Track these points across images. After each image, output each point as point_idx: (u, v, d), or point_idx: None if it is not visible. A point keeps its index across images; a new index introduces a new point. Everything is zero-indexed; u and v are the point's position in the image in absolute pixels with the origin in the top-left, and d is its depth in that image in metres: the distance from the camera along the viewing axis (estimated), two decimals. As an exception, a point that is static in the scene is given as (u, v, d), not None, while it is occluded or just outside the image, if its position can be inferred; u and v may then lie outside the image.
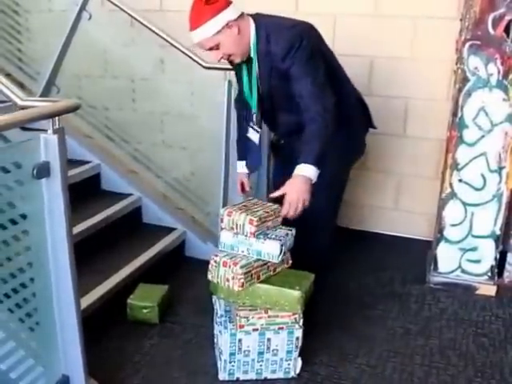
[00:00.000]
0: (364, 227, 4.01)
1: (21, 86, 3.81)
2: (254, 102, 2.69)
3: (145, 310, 2.87)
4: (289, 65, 2.45)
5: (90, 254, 3.03)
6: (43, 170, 1.92)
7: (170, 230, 3.62)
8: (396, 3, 3.50)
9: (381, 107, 3.66)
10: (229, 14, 2.45)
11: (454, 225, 3.22)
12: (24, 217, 1.95)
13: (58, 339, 2.17)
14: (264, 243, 2.37)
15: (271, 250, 2.36)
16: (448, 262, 3.29)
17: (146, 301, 2.89)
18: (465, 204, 3.16)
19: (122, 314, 2.91)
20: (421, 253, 3.60)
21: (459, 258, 3.27)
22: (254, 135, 2.78)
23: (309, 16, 3.58)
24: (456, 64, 3.09)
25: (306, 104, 2.46)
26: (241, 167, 2.99)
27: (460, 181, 3.12)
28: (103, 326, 2.76)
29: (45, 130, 1.93)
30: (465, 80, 2.95)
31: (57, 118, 1.93)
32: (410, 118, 3.67)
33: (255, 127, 2.75)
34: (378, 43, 3.60)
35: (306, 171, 2.39)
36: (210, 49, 2.50)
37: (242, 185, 2.99)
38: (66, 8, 3.45)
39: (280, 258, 2.38)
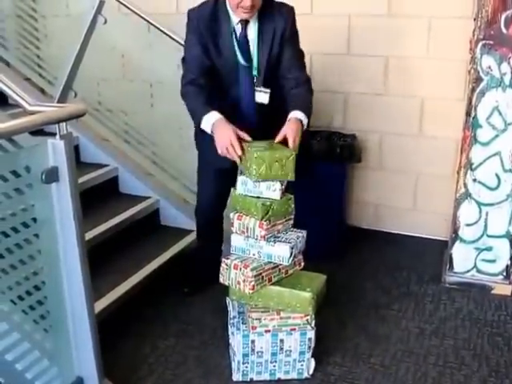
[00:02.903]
0: (381, 227, 4.01)
1: (41, 91, 3.89)
2: (255, 65, 2.67)
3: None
4: (292, 31, 2.65)
5: (108, 255, 3.12)
6: (52, 175, 1.99)
7: (188, 232, 3.66)
8: (411, 3, 3.49)
9: (397, 107, 3.70)
10: None
11: (468, 224, 3.21)
12: (35, 220, 2.01)
13: (72, 341, 2.23)
14: (274, 246, 2.40)
15: (282, 252, 2.39)
16: (463, 261, 3.29)
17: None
18: (479, 204, 3.15)
19: (139, 316, 2.95)
20: (438, 253, 3.60)
21: (474, 257, 3.26)
22: (263, 96, 2.70)
23: (324, 17, 3.64)
24: (470, 64, 3.09)
25: (295, 69, 2.65)
26: (217, 114, 2.51)
27: (474, 180, 3.12)
28: (120, 328, 2.81)
29: (54, 135, 1.99)
30: (478, 80, 2.94)
31: (64, 123, 1.98)
32: (426, 117, 3.66)
33: (263, 89, 2.69)
34: (393, 43, 3.59)
35: (300, 115, 2.50)
36: None
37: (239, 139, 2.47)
38: (82, 13, 3.49)
39: (290, 261, 2.40)
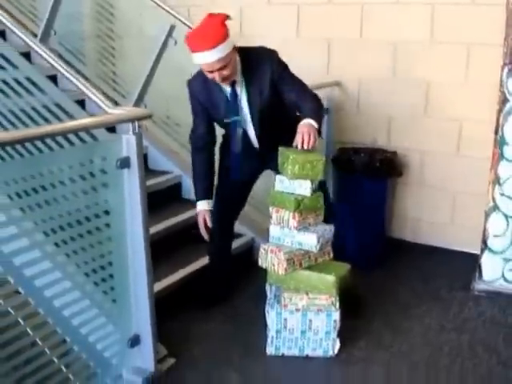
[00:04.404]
0: (419, 240, 4.29)
1: (115, 103, 4.40)
2: (247, 118, 2.98)
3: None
4: (279, 71, 2.86)
5: (167, 249, 3.49)
6: (125, 162, 2.45)
7: (238, 235, 3.98)
8: (451, 31, 3.83)
9: (436, 128, 4.02)
10: (232, 41, 2.77)
11: (496, 236, 3.47)
12: (107, 201, 2.48)
13: (133, 307, 2.66)
14: (304, 235, 2.76)
15: (310, 240, 2.76)
16: (492, 270, 3.54)
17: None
18: (506, 216, 3.41)
19: (190, 301, 3.34)
20: (471, 265, 3.77)
21: (502, 267, 3.51)
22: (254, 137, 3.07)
23: (373, 43, 4.03)
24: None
25: (300, 95, 2.88)
26: (205, 205, 3.17)
27: (502, 194, 3.39)
28: (174, 308, 3.19)
29: (127, 133, 2.47)
30: (505, 101, 3.25)
31: (136, 122, 2.46)
32: (464, 138, 3.95)
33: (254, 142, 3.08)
34: (434, 68, 3.94)
35: (311, 122, 2.74)
36: (218, 69, 2.73)
37: (205, 221, 3.15)
38: (154, 34, 3.96)
39: (318, 248, 2.76)
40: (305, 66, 4.25)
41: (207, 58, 2.70)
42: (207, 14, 2.75)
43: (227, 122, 3.00)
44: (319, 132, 2.82)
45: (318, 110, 2.88)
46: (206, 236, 3.18)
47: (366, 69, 4.15)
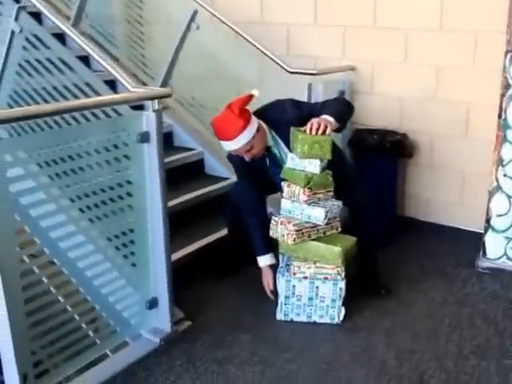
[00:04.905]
0: (428, 219, 4.46)
1: (143, 84, 4.62)
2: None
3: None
4: (303, 110, 3.06)
5: (189, 221, 3.74)
6: (145, 137, 2.67)
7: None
8: (459, 19, 3.97)
9: (446, 111, 4.17)
10: (255, 120, 2.98)
11: (499, 215, 3.63)
12: (129, 172, 2.72)
13: (151, 272, 2.89)
14: (313, 209, 2.96)
15: (318, 214, 2.95)
16: (495, 249, 3.69)
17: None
18: (509, 196, 3.56)
19: (207, 270, 3.58)
20: (477, 244, 3.91)
21: (505, 245, 3.66)
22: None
23: (386, 30, 4.19)
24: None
25: (323, 104, 3.11)
26: (268, 260, 3.25)
27: (505, 175, 3.53)
28: (191, 276, 3.43)
29: (147, 110, 2.70)
30: (507, 86, 3.39)
31: (156, 100, 2.67)
32: (471, 120, 4.11)
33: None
34: (443, 54, 4.09)
35: (327, 117, 2.90)
36: (245, 151, 2.98)
37: (268, 282, 3.25)
38: (181, 20, 4.16)
39: (325, 222, 2.95)
40: (321, 51, 4.50)
41: (232, 146, 2.97)
42: (227, 104, 2.93)
43: (273, 180, 3.20)
44: (339, 130, 3.00)
45: (337, 108, 3.02)
46: (270, 296, 3.23)
47: (379, 54, 4.32)
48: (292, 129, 2.96)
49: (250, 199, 3.27)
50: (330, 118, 2.89)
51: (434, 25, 4.08)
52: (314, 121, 2.85)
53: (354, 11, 4.36)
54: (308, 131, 2.84)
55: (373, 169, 4.04)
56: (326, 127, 2.82)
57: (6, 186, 2.19)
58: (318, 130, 2.81)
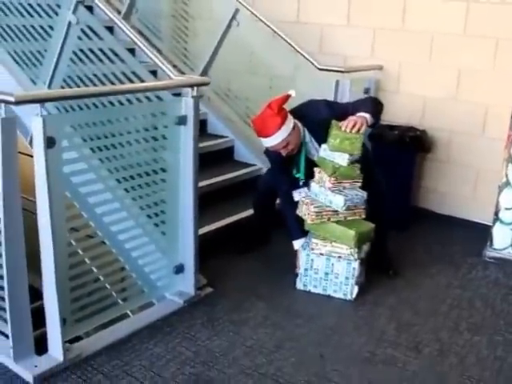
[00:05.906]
0: (443, 211, 4.74)
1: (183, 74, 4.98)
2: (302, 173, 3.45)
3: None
4: (336, 109, 3.32)
5: (216, 201, 4.09)
6: (182, 120, 3.02)
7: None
8: (482, 25, 4.25)
9: (465, 111, 4.45)
10: (291, 118, 3.22)
11: (507, 208, 3.91)
12: (165, 150, 3.06)
13: (180, 241, 3.22)
14: (335, 196, 3.28)
15: (338, 201, 3.27)
16: (502, 240, 3.98)
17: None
18: (517, 191, 3.85)
19: (231, 245, 3.91)
20: (487, 235, 4.16)
21: (511, 237, 3.94)
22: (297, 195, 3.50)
23: (413, 32, 4.49)
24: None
25: (354, 103, 3.40)
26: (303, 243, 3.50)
27: (514, 171, 3.83)
28: (216, 249, 3.74)
29: (186, 96, 3.04)
30: (519, 88, 3.67)
31: (195, 88, 3.01)
32: (489, 121, 4.38)
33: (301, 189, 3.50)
34: (465, 57, 4.38)
35: (363, 114, 3.17)
36: (282, 147, 3.23)
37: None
38: (223, 16, 4.53)
39: (343, 208, 3.26)
40: (351, 50, 4.79)
41: (270, 142, 3.23)
42: (267, 103, 3.19)
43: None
44: (374, 125, 3.31)
45: (371, 105, 3.29)
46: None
47: (406, 55, 4.63)
48: (333, 121, 3.22)
49: (288, 190, 3.52)
50: (367, 115, 3.17)
51: (458, 30, 4.38)
52: (351, 119, 3.13)
53: (384, 14, 4.68)
54: (343, 128, 3.12)
55: (392, 161, 4.30)
56: (361, 125, 3.11)
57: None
58: (353, 127, 3.10)
